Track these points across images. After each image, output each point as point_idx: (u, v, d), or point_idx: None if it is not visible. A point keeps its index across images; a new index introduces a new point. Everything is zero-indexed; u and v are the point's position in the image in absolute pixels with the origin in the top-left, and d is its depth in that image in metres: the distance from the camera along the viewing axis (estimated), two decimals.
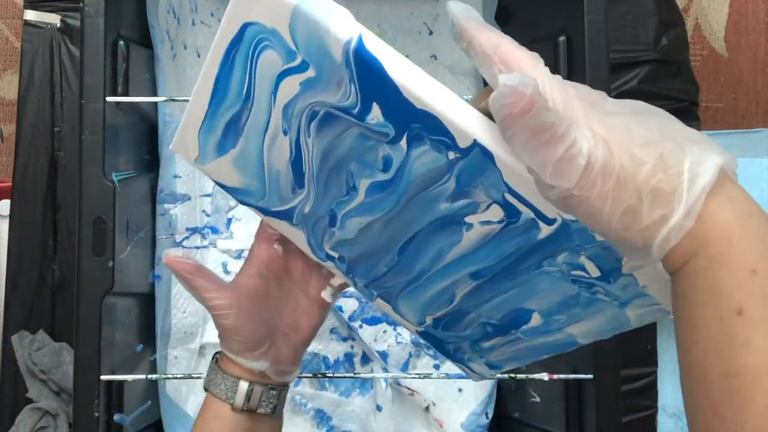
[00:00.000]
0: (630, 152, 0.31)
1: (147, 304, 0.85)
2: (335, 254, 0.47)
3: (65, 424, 0.83)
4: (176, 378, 0.83)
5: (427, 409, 0.90)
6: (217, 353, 0.53)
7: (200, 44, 0.94)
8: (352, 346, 0.92)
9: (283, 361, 0.52)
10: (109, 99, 0.68)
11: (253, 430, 0.52)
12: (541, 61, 0.34)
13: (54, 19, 0.89)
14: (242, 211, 0.92)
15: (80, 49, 0.68)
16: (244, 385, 0.50)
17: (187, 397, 0.88)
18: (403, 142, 0.39)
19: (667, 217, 0.30)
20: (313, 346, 0.91)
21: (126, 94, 0.74)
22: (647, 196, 0.30)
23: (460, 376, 0.85)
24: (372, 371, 0.91)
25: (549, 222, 0.40)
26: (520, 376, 0.75)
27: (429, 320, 0.49)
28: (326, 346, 0.91)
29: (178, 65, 0.91)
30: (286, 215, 0.46)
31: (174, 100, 0.72)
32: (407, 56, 0.37)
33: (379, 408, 0.89)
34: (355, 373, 0.90)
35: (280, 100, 0.40)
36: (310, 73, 0.39)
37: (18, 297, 0.86)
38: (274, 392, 0.52)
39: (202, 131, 0.44)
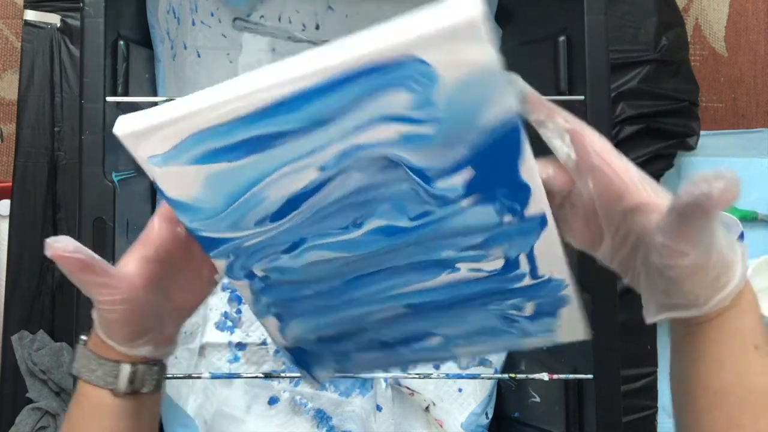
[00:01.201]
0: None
1: None
2: (261, 274, 0.44)
3: None
4: (176, 378, 0.83)
5: (427, 409, 0.90)
6: (82, 334, 0.48)
7: (200, 44, 0.94)
8: None
9: (165, 342, 0.48)
10: (109, 99, 0.68)
11: (138, 410, 0.47)
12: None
13: (54, 19, 0.89)
14: None
15: (80, 49, 0.68)
16: (126, 368, 0.45)
17: (187, 397, 0.88)
18: (467, 202, 0.38)
19: (730, 281, 0.38)
20: None
21: (126, 94, 0.74)
22: (723, 266, 0.38)
23: (459, 376, 0.85)
24: (372, 371, 0.91)
25: (537, 277, 0.43)
26: (520, 376, 0.75)
27: (312, 337, 0.48)
28: None
29: (178, 65, 0.91)
30: (210, 244, 0.42)
31: (174, 100, 0.72)
32: None
33: (379, 408, 0.89)
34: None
35: (358, 138, 0.36)
36: (427, 129, 0.35)
37: (18, 297, 0.86)
38: (156, 368, 0.48)
39: (203, 133, 0.37)
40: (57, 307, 0.87)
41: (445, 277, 0.43)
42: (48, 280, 0.87)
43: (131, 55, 0.76)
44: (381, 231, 0.40)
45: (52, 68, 0.89)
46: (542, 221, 0.40)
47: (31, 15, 0.89)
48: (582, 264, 0.71)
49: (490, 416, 0.91)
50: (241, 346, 0.91)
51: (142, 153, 0.38)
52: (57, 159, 0.88)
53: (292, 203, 0.39)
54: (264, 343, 0.91)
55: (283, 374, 0.79)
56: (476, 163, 0.37)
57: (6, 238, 0.87)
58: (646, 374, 0.91)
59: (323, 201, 0.39)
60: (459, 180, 0.37)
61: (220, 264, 0.44)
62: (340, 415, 0.90)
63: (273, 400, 0.90)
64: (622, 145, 0.91)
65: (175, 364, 0.87)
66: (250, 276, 0.44)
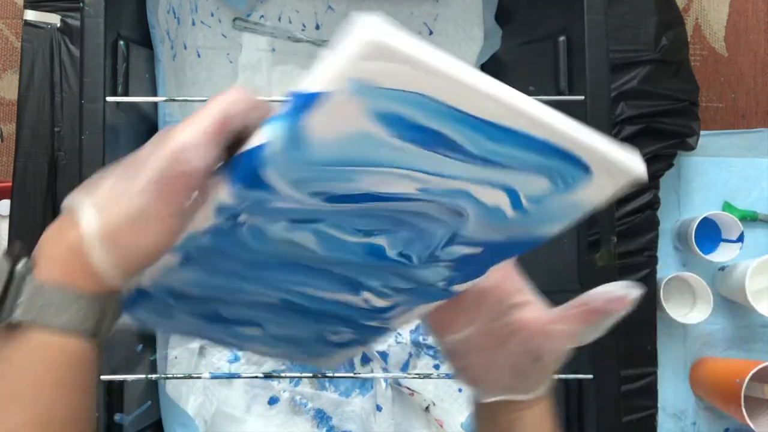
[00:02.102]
0: None
1: None
2: (240, 221, 0.37)
3: None
4: (176, 378, 0.83)
5: (427, 409, 0.90)
6: (22, 257, 0.35)
7: (200, 44, 0.94)
8: None
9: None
10: (109, 99, 0.68)
11: (99, 352, 0.37)
12: None
13: (54, 19, 0.89)
14: None
15: (80, 49, 0.68)
16: (112, 302, 0.36)
17: (187, 397, 0.88)
18: (444, 264, 0.40)
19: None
20: None
21: (126, 94, 0.74)
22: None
23: None
24: (372, 371, 0.91)
25: (385, 327, 0.47)
26: None
27: (173, 287, 0.43)
28: None
29: (178, 65, 0.91)
30: (253, 181, 0.34)
31: (174, 100, 0.72)
32: None
33: (379, 408, 0.89)
34: (355, 373, 0.90)
35: (479, 191, 0.35)
36: (512, 213, 0.36)
37: None
38: (120, 295, 0.37)
39: (426, 100, 0.31)
40: None
41: (342, 295, 0.43)
42: None
43: (131, 55, 0.76)
44: (371, 248, 0.39)
45: (52, 68, 0.89)
46: (452, 295, 0.43)
47: (31, 15, 0.89)
48: (580, 264, 0.71)
49: None
50: None
51: (360, 71, 0.29)
52: (57, 159, 0.88)
53: (363, 198, 0.35)
54: None
55: (283, 374, 0.79)
56: (492, 248, 0.38)
57: (6, 238, 0.87)
58: (646, 374, 0.91)
59: (380, 207, 0.36)
60: (464, 251, 0.39)
61: (227, 197, 0.35)
62: (340, 415, 0.90)
63: (273, 400, 0.90)
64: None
65: (175, 364, 0.87)
66: (231, 219, 0.37)
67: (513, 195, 0.35)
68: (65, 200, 0.36)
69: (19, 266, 0.35)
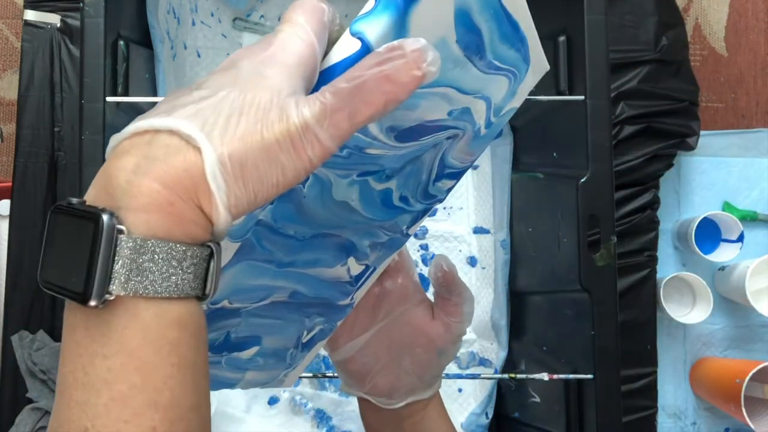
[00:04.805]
0: None
1: None
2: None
3: None
4: None
5: None
6: (102, 212, 0.25)
7: (200, 44, 0.94)
8: None
9: None
10: (109, 99, 0.68)
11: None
12: None
13: (54, 19, 0.89)
14: None
15: (80, 49, 0.68)
16: (218, 250, 0.28)
17: None
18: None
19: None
20: None
21: (126, 94, 0.74)
22: None
23: (459, 376, 0.85)
24: None
25: (351, 302, 0.46)
26: (520, 376, 0.75)
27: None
28: None
29: (178, 65, 0.91)
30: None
31: None
32: None
33: None
34: None
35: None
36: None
37: (18, 297, 0.86)
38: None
39: None
40: (57, 307, 0.87)
41: (335, 270, 0.42)
42: None
43: (131, 55, 0.76)
44: (386, 194, 0.40)
45: (52, 68, 0.89)
46: (406, 240, 0.44)
47: (31, 15, 0.89)
48: (580, 264, 0.71)
49: (490, 416, 0.91)
50: None
51: None
52: (57, 159, 0.88)
53: (417, 132, 0.34)
54: None
55: None
56: (458, 177, 0.45)
57: (6, 238, 0.87)
58: (646, 374, 0.91)
59: (420, 144, 0.37)
60: (449, 185, 0.44)
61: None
62: (340, 415, 0.90)
63: (273, 400, 0.90)
64: (622, 145, 0.91)
65: None
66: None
67: (488, 104, 0.38)
68: (138, 125, 0.27)
69: (105, 221, 0.25)
